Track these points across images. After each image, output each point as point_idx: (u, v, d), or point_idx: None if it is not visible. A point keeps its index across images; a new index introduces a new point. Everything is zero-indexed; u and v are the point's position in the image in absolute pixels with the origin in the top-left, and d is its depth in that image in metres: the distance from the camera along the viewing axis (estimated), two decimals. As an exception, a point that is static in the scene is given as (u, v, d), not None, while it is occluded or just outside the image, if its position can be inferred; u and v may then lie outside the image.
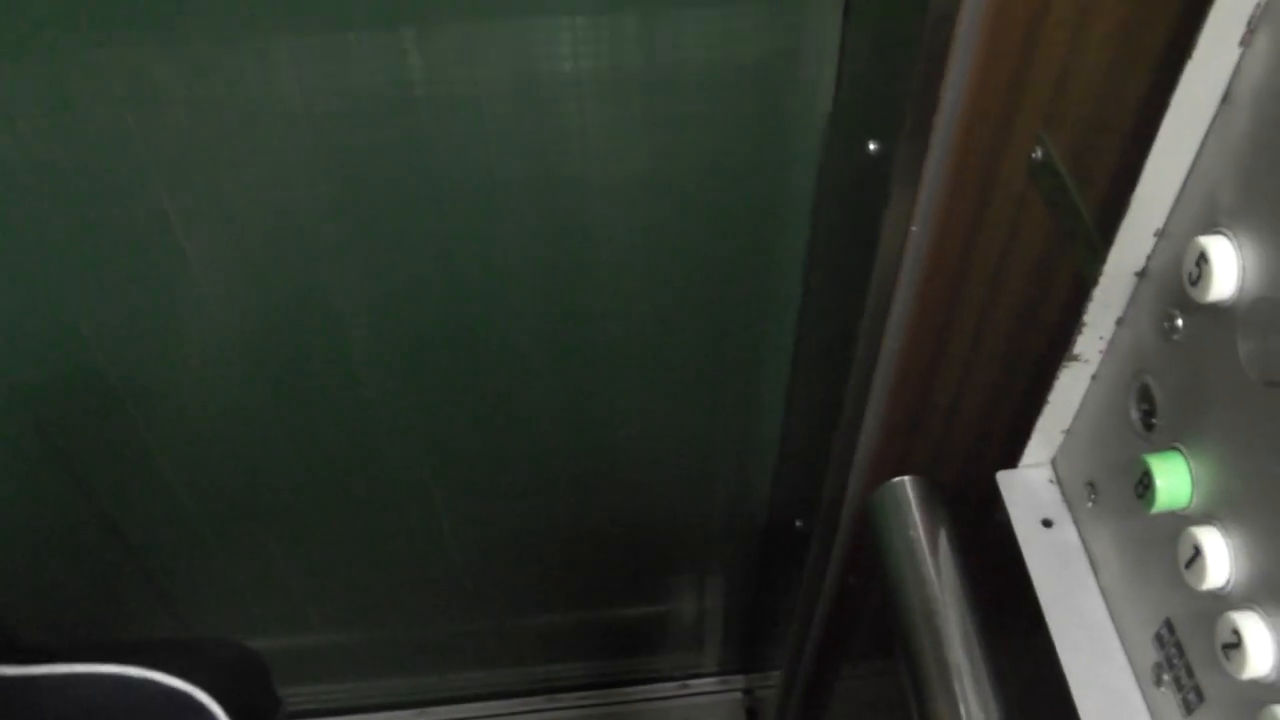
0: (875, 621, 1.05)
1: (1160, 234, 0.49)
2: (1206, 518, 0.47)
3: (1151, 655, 0.52)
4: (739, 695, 1.40)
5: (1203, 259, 0.44)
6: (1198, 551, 0.46)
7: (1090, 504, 0.58)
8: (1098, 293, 0.53)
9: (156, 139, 0.70)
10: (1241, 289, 0.44)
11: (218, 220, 0.76)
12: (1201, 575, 0.46)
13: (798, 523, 1.05)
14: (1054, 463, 0.62)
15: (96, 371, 0.85)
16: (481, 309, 0.86)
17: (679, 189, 0.79)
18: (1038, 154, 0.61)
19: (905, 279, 0.78)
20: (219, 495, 1.01)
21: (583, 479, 1.07)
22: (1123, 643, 0.55)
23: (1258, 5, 0.42)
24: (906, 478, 0.66)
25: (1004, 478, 0.62)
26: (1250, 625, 0.43)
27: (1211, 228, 0.45)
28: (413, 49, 0.68)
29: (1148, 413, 0.51)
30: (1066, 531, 0.59)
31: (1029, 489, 0.61)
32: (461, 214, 0.77)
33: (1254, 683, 0.44)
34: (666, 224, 0.82)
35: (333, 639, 1.25)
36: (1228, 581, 0.45)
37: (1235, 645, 0.44)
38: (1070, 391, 0.57)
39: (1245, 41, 0.43)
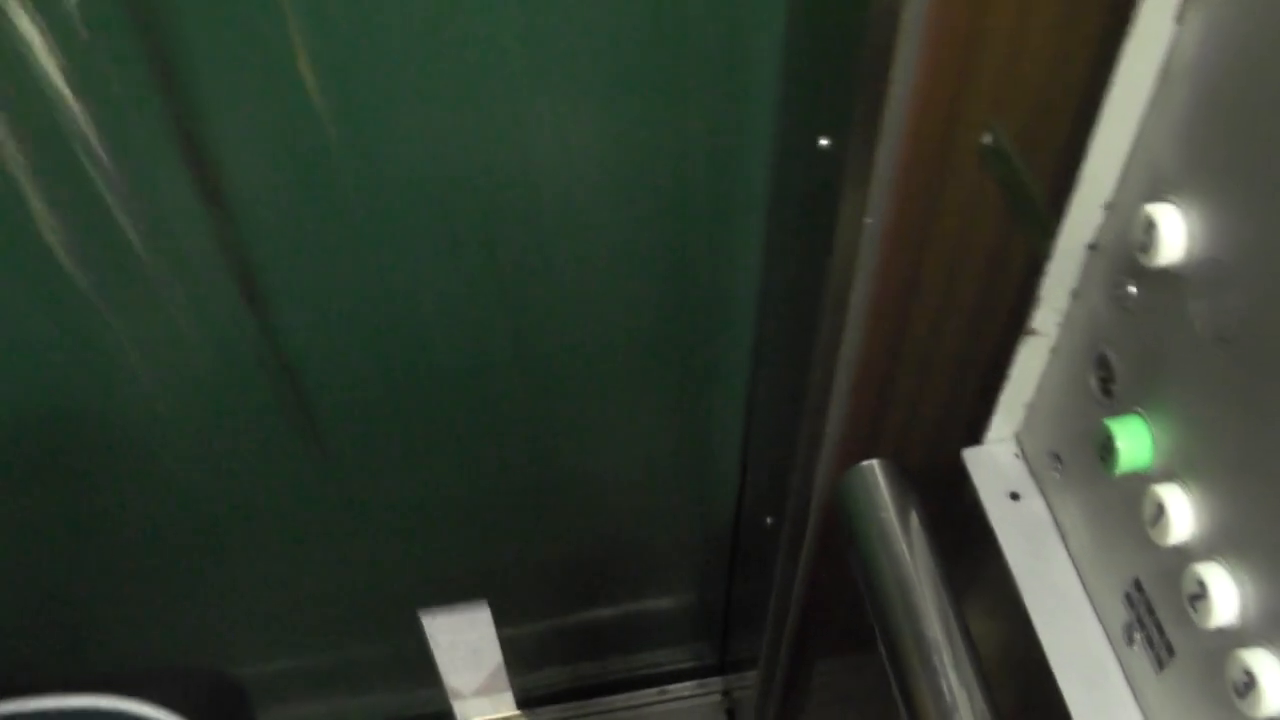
0: (849, 614, 1.06)
1: (1109, 207, 0.51)
2: (1168, 476, 0.48)
3: (1122, 615, 0.54)
4: (718, 697, 1.40)
5: (1150, 226, 0.46)
6: (1161, 509, 0.48)
7: (1056, 474, 0.60)
8: (1052, 268, 0.55)
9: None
10: (1189, 253, 0.45)
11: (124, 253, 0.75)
12: (1165, 531, 0.47)
13: (768, 520, 1.07)
14: (1018, 437, 0.64)
15: (61, 405, 0.84)
16: (435, 327, 0.86)
17: (630, 192, 0.80)
18: (988, 139, 0.63)
19: (862, 270, 0.80)
20: (188, 524, 1.00)
21: (548, 490, 1.07)
22: (1094, 606, 0.57)
23: (1189, -18, 0.44)
24: (874, 461, 0.67)
25: (970, 455, 0.64)
26: (1213, 575, 0.45)
27: (1157, 196, 0.47)
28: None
29: (1106, 380, 0.53)
30: (1034, 502, 0.61)
31: (995, 464, 0.63)
32: (402, 229, 0.77)
33: (1220, 631, 0.45)
34: (618, 229, 0.82)
35: (308, 662, 1.24)
36: (1191, 536, 0.47)
37: (1201, 596, 0.45)
38: (1030, 366, 0.59)
39: (1180, 18, 0.45)
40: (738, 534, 1.19)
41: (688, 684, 1.40)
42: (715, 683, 1.41)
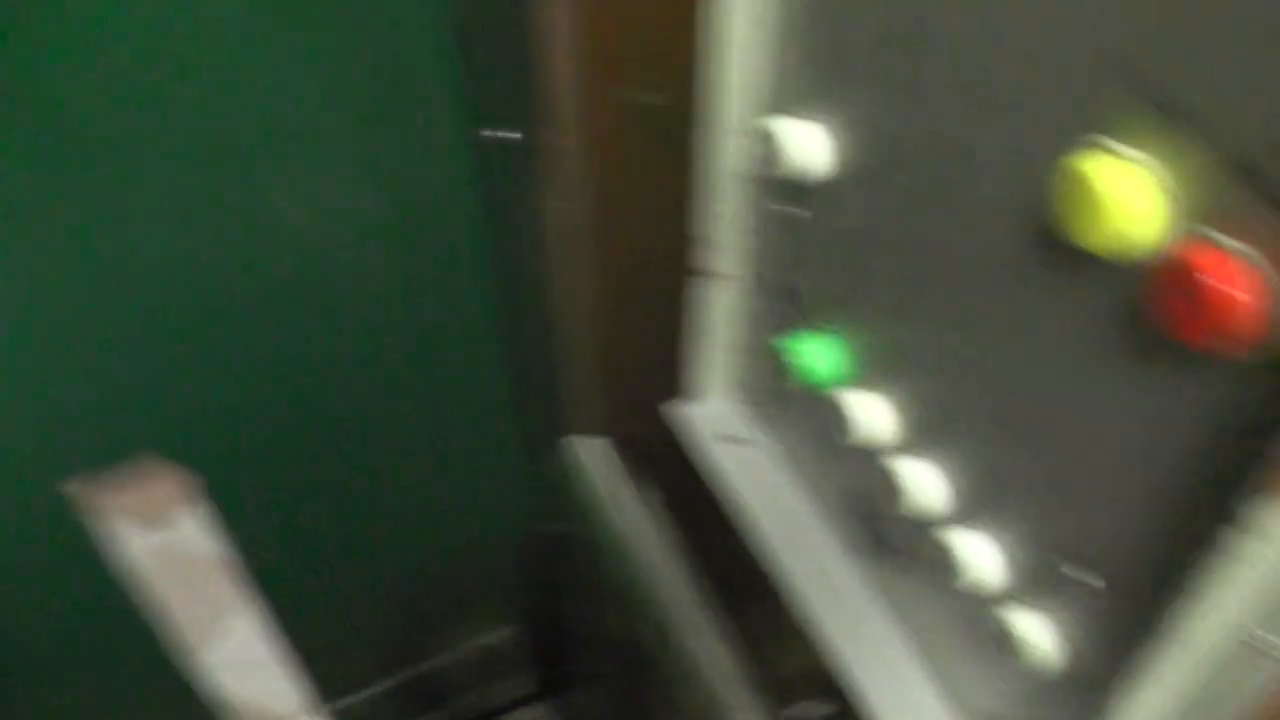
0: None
1: (749, 133, 0.51)
2: (860, 383, 0.49)
3: (849, 524, 0.55)
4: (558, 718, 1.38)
5: (781, 144, 0.46)
6: (854, 415, 0.48)
7: (763, 407, 0.60)
8: (712, 205, 0.54)
9: None
10: (839, 164, 0.46)
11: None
12: (859, 432, 0.48)
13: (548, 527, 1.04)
14: (726, 381, 0.63)
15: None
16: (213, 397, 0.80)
17: (358, 235, 0.77)
18: (637, 96, 0.62)
19: (556, 254, 0.79)
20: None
21: (351, 542, 1.01)
22: (824, 521, 0.57)
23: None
24: (575, 438, 0.65)
25: (682, 409, 0.63)
26: (905, 468, 0.46)
27: (798, 114, 0.47)
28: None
29: (794, 304, 0.53)
30: (755, 440, 0.61)
31: (706, 412, 0.62)
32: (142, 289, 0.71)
33: (928, 518, 0.46)
34: (353, 266, 0.79)
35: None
36: (893, 437, 0.48)
37: (900, 489, 0.46)
38: (722, 307, 0.59)
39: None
40: (537, 549, 1.17)
41: (528, 708, 1.37)
42: (552, 703, 1.38)
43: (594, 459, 0.64)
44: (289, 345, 0.82)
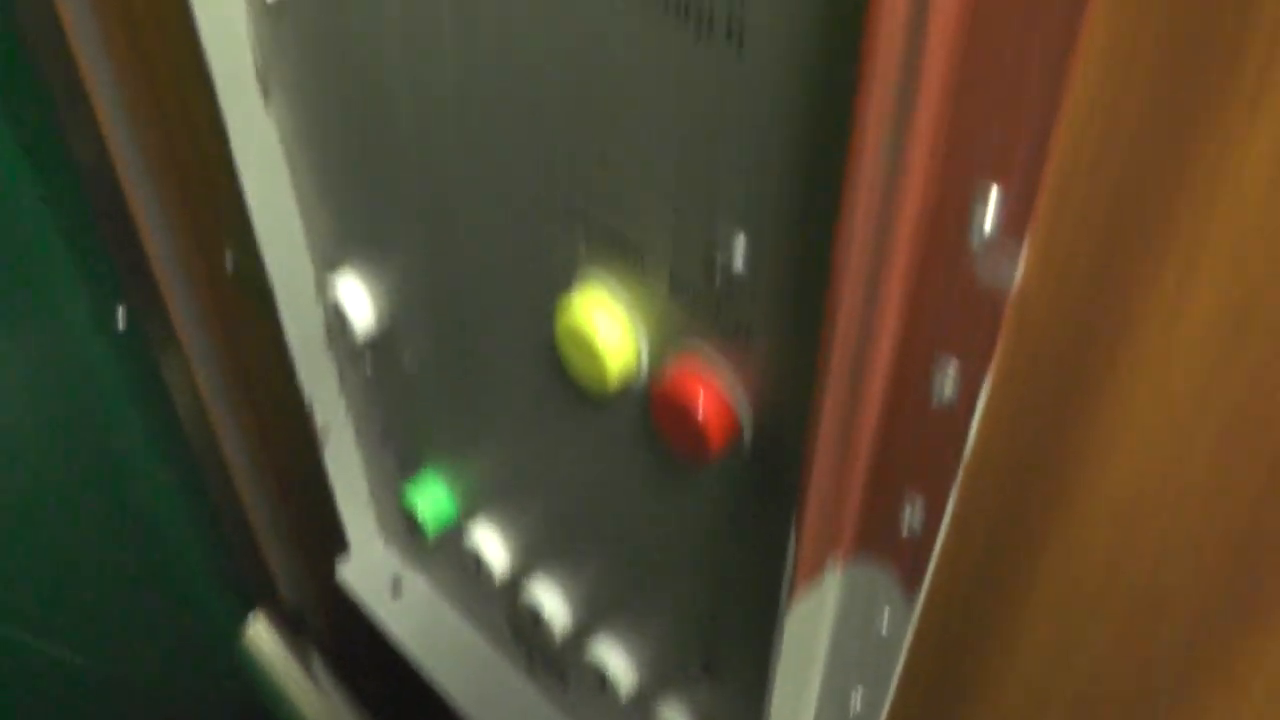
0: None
1: (305, 294, 0.51)
2: (473, 517, 0.49)
3: (516, 648, 0.55)
4: None
5: (338, 309, 0.46)
6: (472, 547, 0.48)
7: (416, 550, 0.59)
8: (303, 370, 0.53)
9: None
10: (380, 317, 0.46)
11: None
12: (484, 562, 0.48)
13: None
14: (379, 531, 0.62)
15: None
16: None
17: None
18: (231, 263, 0.61)
19: (204, 433, 0.76)
20: None
21: None
22: (496, 649, 0.57)
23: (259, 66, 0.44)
24: (256, 614, 0.63)
25: (344, 566, 0.61)
26: (529, 588, 0.46)
27: (339, 273, 0.47)
28: None
29: (393, 453, 0.53)
30: (415, 584, 0.60)
31: (367, 565, 0.61)
32: None
33: (561, 634, 0.47)
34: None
35: None
36: (504, 562, 0.48)
37: (528, 608, 0.47)
38: (344, 461, 0.58)
39: (265, 99, 0.45)
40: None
41: None
42: None
43: (271, 639, 0.61)
44: None
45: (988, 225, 0.23)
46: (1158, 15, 0.19)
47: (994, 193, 0.22)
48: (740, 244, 0.28)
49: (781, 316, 0.28)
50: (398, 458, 0.54)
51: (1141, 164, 0.20)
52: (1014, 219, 0.22)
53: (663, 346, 0.33)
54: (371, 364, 0.49)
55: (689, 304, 0.31)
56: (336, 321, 0.48)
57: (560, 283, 0.35)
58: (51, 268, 0.69)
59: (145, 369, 0.74)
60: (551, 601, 0.46)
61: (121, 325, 0.72)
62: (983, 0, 0.20)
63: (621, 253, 0.32)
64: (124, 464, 0.81)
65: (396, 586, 0.59)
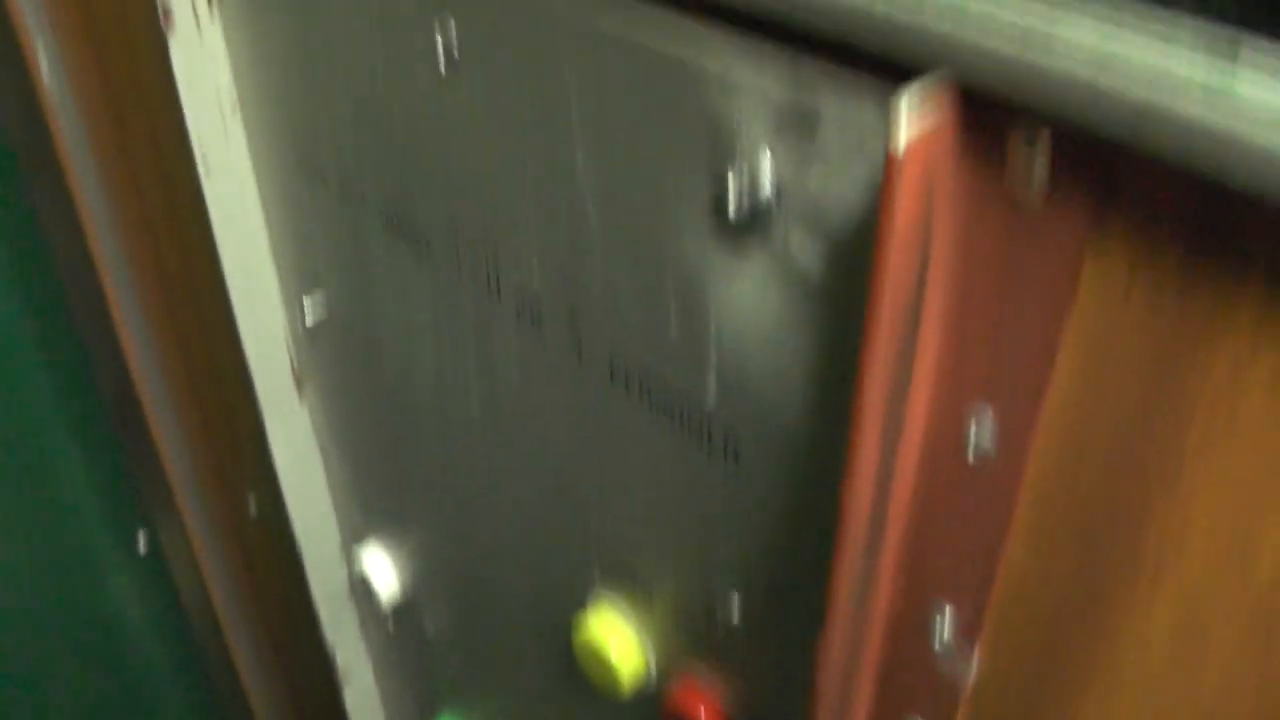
0: None
1: (336, 558, 0.55)
2: None
3: None
4: None
5: (363, 579, 0.50)
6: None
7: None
8: (327, 618, 0.57)
9: None
10: (404, 584, 0.50)
11: None
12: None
13: None
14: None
15: None
16: None
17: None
18: (253, 508, 0.64)
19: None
20: None
21: None
22: None
23: (295, 371, 0.48)
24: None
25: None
26: None
27: (364, 545, 0.51)
28: None
29: (419, 699, 0.57)
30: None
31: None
32: None
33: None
34: None
35: None
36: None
37: None
38: (358, 703, 0.61)
39: (299, 386, 0.50)
40: None
41: None
42: None
43: None
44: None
45: (946, 633, 0.27)
46: (1073, 515, 0.24)
47: (948, 610, 0.27)
48: (735, 602, 0.32)
49: (775, 660, 0.32)
50: (416, 703, 0.57)
51: (1066, 614, 0.25)
52: (967, 630, 0.27)
53: (669, 664, 0.37)
54: (394, 624, 0.53)
55: (692, 640, 0.35)
56: (362, 588, 0.52)
57: (576, 598, 0.39)
58: (76, 492, 0.72)
59: (166, 596, 0.75)
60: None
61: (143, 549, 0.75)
62: (929, 497, 0.25)
63: (632, 586, 0.36)
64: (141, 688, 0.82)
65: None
